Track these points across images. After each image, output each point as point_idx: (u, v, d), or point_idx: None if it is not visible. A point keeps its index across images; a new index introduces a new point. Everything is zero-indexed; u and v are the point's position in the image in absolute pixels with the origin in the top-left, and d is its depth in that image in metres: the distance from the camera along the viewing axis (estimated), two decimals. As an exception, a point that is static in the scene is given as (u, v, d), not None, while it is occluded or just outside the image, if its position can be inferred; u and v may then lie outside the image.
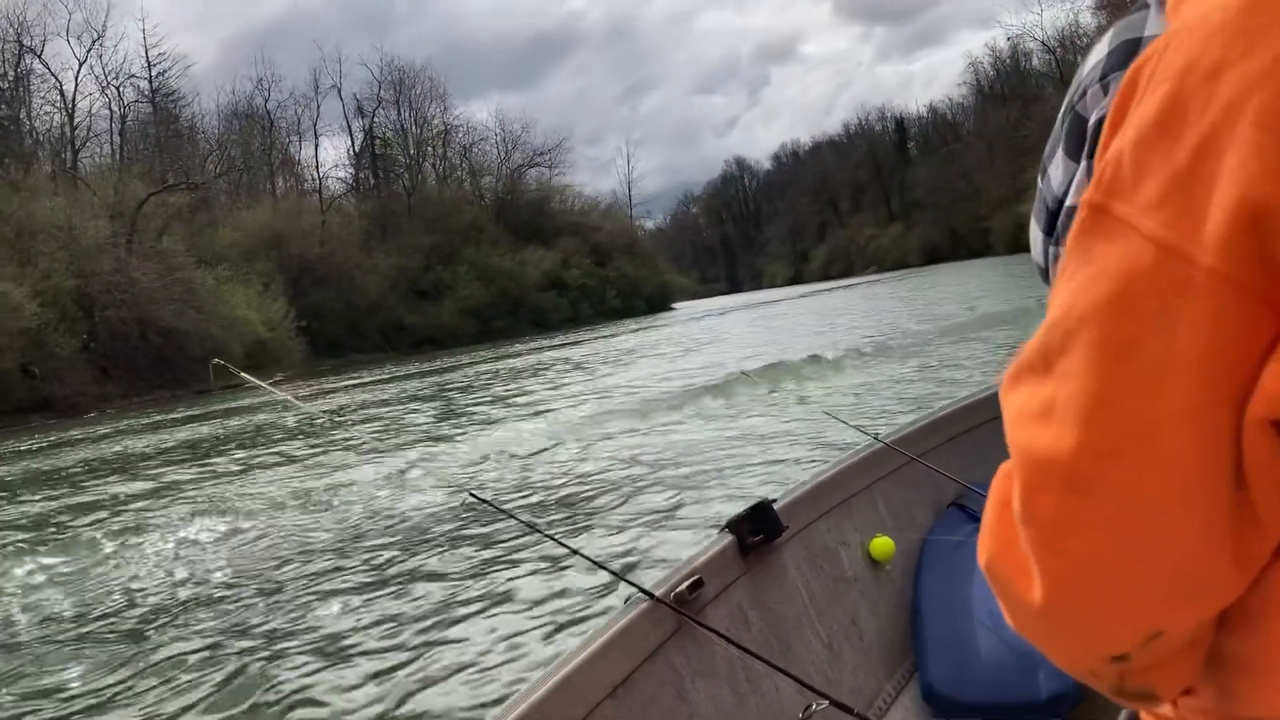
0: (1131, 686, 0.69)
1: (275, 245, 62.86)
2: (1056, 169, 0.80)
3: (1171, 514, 0.60)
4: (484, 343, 63.25)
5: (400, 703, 4.23)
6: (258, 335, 51.05)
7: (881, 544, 2.70)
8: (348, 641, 5.07)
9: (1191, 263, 0.56)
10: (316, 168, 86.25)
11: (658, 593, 2.07)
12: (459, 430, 13.82)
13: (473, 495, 2.38)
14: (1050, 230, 0.84)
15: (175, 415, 27.32)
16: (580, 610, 4.94)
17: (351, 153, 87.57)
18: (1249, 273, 0.55)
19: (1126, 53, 0.73)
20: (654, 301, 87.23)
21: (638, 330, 46.69)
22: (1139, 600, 0.63)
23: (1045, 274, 0.87)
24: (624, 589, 2.16)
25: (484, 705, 4.00)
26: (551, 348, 38.91)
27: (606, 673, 1.86)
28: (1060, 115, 0.79)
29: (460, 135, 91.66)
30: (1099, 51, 0.76)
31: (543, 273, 77.61)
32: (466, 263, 74.35)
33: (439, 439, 13.11)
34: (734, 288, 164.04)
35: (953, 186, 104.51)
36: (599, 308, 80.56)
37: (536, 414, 14.53)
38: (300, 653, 4.98)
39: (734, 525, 2.44)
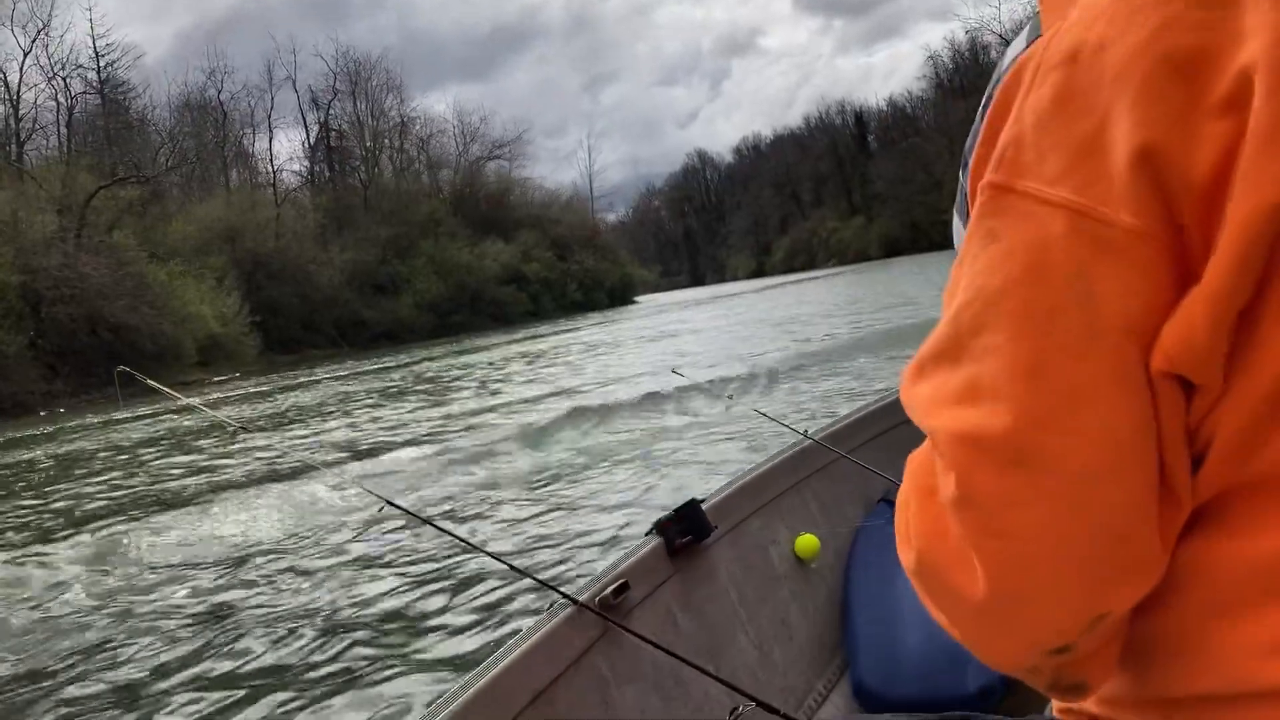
0: (1066, 680, 0.68)
1: (229, 239, 62.23)
2: None
3: (1111, 479, 0.60)
4: (441, 337, 62.97)
5: (319, 713, 4.04)
6: (211, 331, 50.49)
7: (806, 542, 2.66)
8: (250, 655, 4.83)
9: (1107, 223, 0.59)
10: (271, 160, 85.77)
11: (582, 598, 2.04)
12: (385, 436, 13.50)
13: (390, 504, 2.30)
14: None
15: (117, 417, 26.81)
16: (502, 620, 4.78)
17: (306, 145, 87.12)
18: (1158, 224, 0.58)
19: None
20: (616, 294, 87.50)
21: (597, 324, 46.69)
22: (1085, 579, 0.62)
23: None
24: (549, 596, 2.08)
25: (403, 714, 3.86)
26: (504, 344, 38.69)
27: (528, 680, 1.82)
28: (980, 108, 0.81)
29: (418, 128, 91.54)
30: (1016, 46, 0.79)
31: (502, 266, 77.48)
32: (424, 256, 74.02)
33: (363, 445, 12.79)
34: (697, 280, 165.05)
35: (913, 180, 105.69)
36: (560, 301, 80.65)
37: (470, 416, 14.26)
38: (187, 669, 4.75)
39: (661, 527, 2.38)
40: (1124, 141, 0.59)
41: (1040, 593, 0.63)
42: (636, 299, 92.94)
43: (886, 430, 3.35)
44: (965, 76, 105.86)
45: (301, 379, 34.59)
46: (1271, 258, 0.57)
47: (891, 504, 2.90)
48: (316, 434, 15.34)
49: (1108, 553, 0.61)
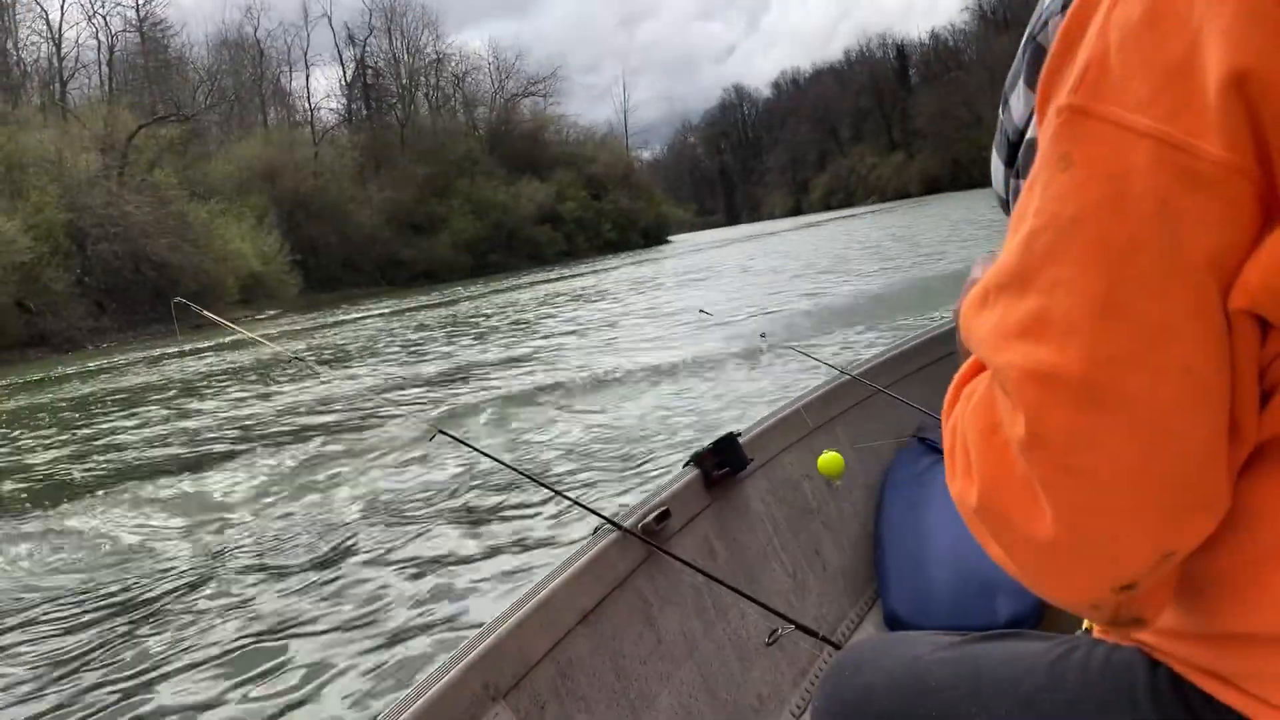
0: (1125, 614, 0.67)
1: (268, 178, 62.47)
2: (1018, 100, 0.80)
3: (1188, 418, 0.58)
4: (478, 277, 63.04)
5: (388, 620, 4.33)
6: (252, 270, 50.91)
7: (830, 460, 2.58)
8: (335, 573, 5.11)
9: (1196, 155, 0.56)
10: (308, 98, 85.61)
11: (626, 524, 2.10)
12: (435, 371, 13.71)
13: (443, 433, 2.35)
14: (1012, 162, 0.84)
15: (168, 351, 27.27)
16: (550, 543, 4.97)
17: (343, 83, 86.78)
18: (1249, 157, 0.55)
19: None
20: (650, 234, 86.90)
21: (631, 264, 46.51)
22: (1157, 518, 0.60)
23: (1006, 205, 0.86)
24: (594, 521, 2.13)
25: (467, 626, 4.04)
26: (542, 282, 38.76)
27: (578, 600, 1.90)
28: (1021, 46, 0.78)
29: (453, 64, 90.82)
30: None
31: (537, 205, 77.23)
32: (461, 196, 73.95)
33: (414, 379, 13.03)
34: (733, 219, 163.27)
35: (954, 115, 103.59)
36: (594, 241, 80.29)
37: (512, 355, 14.42)
38: (291, 581, 5.05)
39: (699, 459, 2.44)
40: (1217, 66, 0.55)
41: (1111, 532, 0.61)
42: (671, 238, 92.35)
43: (922, 368, 3.39)
44: (1009, 9, 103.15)
45: (341, 316, 35.00)
46: None
47: (923, 440, 3.03)
48: (367, 367, 15.57)
49: (1180, 491, 0.60)
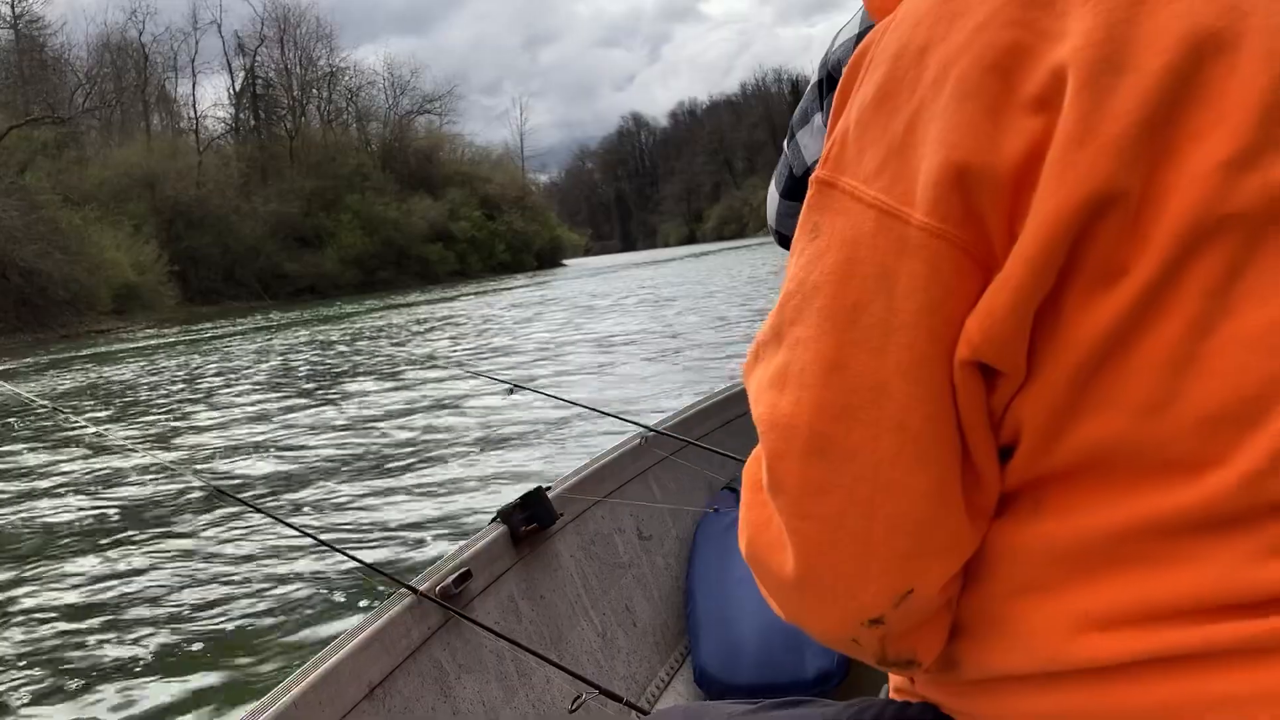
0: (893, 654, 0.70)
1: (148, 186, 60.37)
2: (813, 138, 0.84)
3: (907, 469, 0.62)
4: (366, 293, 61.50)
5: (144, 699, 4.00)
6: (127, 279, 49.09)
7: None
8: (73, 651, 4.65)
9: (906, 222, 0.61)
10: (194, 106, 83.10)
11: (422, 587, 2.00)
12: (228, 413, 12.50)
13: (222, 493, 2.27)
14: (791, 194, 0.89)
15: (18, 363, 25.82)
16: (339, 612, 4.66)
17: (231, 92, 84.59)
18: (956, 227, 0.60)
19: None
20: (544, 257, 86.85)
21: (515, 289, 45.95)
22: (886, 558, 0.64)
23: (780, 237, 0.92)
24: (389, 585, 2.03)
25: (236, 706, 3.76)
26: (412, 305, 37.77)
27: (365, 672, 1.78)
28: (810, 86, 0.83)
29: (347, 78, 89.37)
30: (850, 29, 0.80)
31: (429, 223, 76.32)
32: (350, 210, 72.54)
33: (195, 424, 11.81)
34: (628, 245, 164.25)
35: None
36: (487, 261, 79.82)
37: (329, 393, 13.35)
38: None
39: (506, 514, 2.37)
40: (936, 150, 0.60)
41: (843, 572, 0.65)
42: (565, 262, 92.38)
43: (736, 418, 3.38)
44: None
45: (210, 332, 33.68)
46: (1073, 251, 0.58)
47: (734, 491, 3.02)
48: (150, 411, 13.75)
49: (907, 536, 0.63)
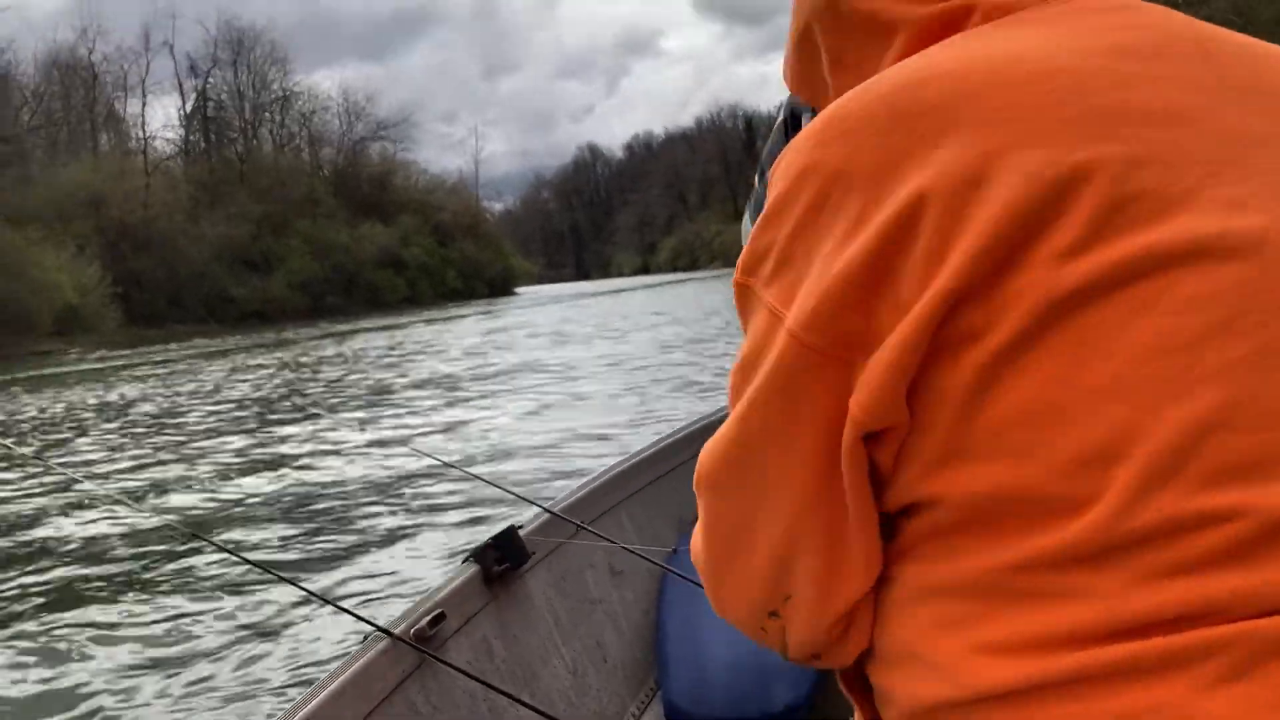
0: (794, 647, 0.80)
1: (94, 206, 59.48)
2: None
3: (785, 524, 0.74)
4: (315, 319, 60.85)
5: None
6: (68, 301, 48.18)
7: None
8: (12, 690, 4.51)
9: (786, 328, 0.69)
10: (143, 126, 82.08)
11: (397, 630, 1.99)
12: (193, 445, 12.00)
13: (196, 535, 2.20)
14: None
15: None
16: (314, 655, 4.55)
17: (182, 114, 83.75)
18: (823, 339, 0.67)
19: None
20: (496, 285, 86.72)
21: (462, 318, 45.72)
22: (763, 569, 0.77)
23: None
24: (363, 628, 2.04)
25: None
26: (363, 332, 37.38)
27: (340, 717, 1.77)
28: (776, 125, 0.91)
29: (301, 103, 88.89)
30: (779, 119, 0.89)
31: (380, 249, 75.97)
32: (300, 235, 71.99)
33: (157, 458, 11.31)
34: (582, 275, 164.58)
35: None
36: (439, 288, 79.53)
37: (285, 429, 12.79)
38: None
39: (479, 554, 2.37)
40: (821, 266, 0.68)
41: (735, 565, 0.79)
42: (518, 290, 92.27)
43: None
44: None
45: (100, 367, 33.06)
46: (936, 335, 0.65)
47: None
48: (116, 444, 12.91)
49: (775, 562, 0.76)
